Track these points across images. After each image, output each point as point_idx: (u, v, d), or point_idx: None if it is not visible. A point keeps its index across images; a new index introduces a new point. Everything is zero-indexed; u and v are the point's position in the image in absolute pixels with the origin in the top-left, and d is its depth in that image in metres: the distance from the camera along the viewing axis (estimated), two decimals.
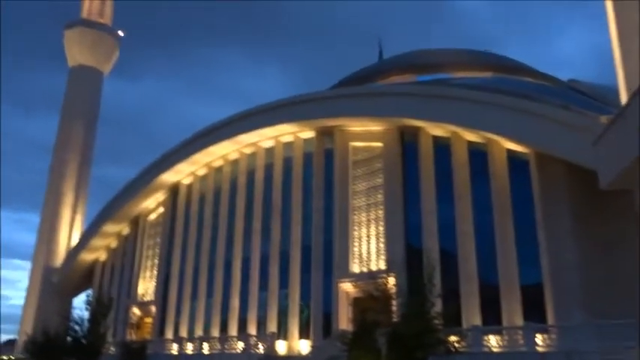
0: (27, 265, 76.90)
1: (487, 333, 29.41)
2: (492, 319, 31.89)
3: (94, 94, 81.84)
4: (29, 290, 72.81)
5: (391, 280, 29.21)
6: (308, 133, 45.66)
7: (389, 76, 52.60)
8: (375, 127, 41.57)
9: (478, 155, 36.31)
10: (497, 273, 33.14)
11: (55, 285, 69.10)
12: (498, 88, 36.16)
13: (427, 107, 37.21)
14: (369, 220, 40.45)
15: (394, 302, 26.69)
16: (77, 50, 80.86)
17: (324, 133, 44.32)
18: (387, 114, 39.87)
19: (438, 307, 22.75)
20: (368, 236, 40.05)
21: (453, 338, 22.17)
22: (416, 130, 39.35)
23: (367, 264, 39.17)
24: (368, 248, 39.74)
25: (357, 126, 42.40)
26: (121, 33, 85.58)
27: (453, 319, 30.51)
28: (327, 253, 41.21)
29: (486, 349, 28.39)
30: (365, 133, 42.17)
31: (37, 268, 72.28)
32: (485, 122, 34.08)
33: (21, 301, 77.58)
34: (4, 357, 64.15)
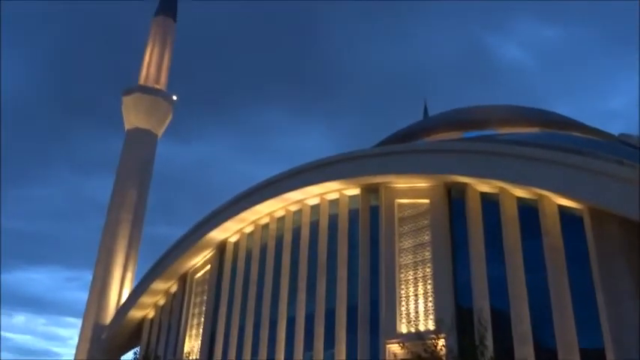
0: (78, 322, 78.44)
1: None
2: None
3: (149, 155, 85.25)
4: (78, 347, 73.70)
5: (440, 342, 28.25)
6: (353, 190, 45.86)
7: (434, 133, 52.73)
8: (421, 183, 41.37)
9: (528, 211, 35.41)
10: (553, 335, 31.45)
11: (103, 342, 69.81)
12: (547, 144, 35.58)
13: (474, 164, 36.87)
14: (416, 279, 39.57)
15: None
16: (133, 115, 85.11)
17: (370, 190, 44.40)
18: (433, 171, 39.72)
19: None
20: (416, 295, 39.06)
21: None
22: (463, 187, 38.94)
23: (415, 324, 38.01)
24: (416, 307, 38.66)
25: (402, 183, 42.32)
26: (174, 97, 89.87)
27: None
28: (374, 312, 40.34)
29: None
30: (411, 190, 41.98)
31: (87, 326, 73.42)
32: (535, 178, 33.39)
33: (71, 358, 78.65)
34: None
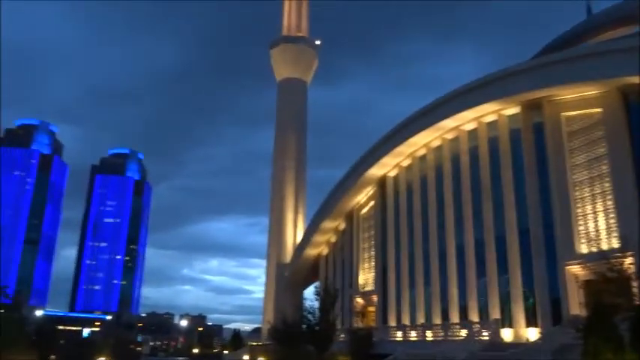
0: (263, 262, 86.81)
1: None
2: None
3: (301, 103, 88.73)
4: (267, 285, 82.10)
5: (628, 260, 26.22)
6: (512, 109, 43.13)
7: (601, 33, 46.99)
8: (590, 91, 37.46)
9: None
10: None
11: (287, 279, 76.63)
12: None
13: None
14: (593, 195, 36.62)
15: (634, 284, 23.92)
16: (282, 65, 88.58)
17: (531, 107, 41.37)
18: (605, 76, 35.58)
19: None
20: (594, 213, 36.26)
21: None
22: None
23: (597, 243, 35.50)
24: (596, 226, 35.99)
25: (568, 94, 38.70)
26: (317, 42, 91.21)
27: None
28: (548, 234, 38.42)
29: None
30: (579, 100, 38.27)
31: (271, 265, 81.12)
32: None
33: (261, 295, 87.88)
34: (254, 343, 73.09)
